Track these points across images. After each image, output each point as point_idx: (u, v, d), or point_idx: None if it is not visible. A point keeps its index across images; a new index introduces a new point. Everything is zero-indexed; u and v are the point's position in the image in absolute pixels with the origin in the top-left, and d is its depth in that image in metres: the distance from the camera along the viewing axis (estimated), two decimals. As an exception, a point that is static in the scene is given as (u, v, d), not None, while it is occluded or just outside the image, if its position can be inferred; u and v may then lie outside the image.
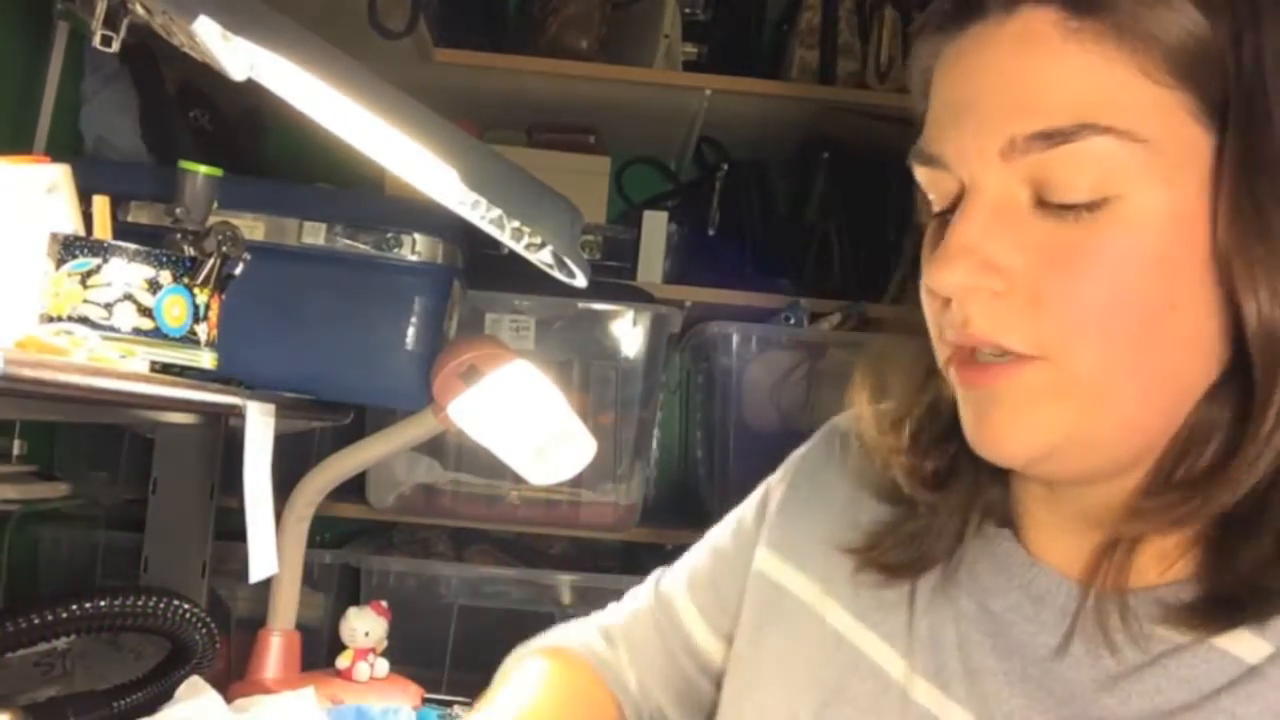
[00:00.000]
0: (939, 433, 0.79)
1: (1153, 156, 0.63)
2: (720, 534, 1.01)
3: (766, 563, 0.91)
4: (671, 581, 1.04)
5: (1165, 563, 0.69)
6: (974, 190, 0.67)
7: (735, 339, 2.09)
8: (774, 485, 0.97)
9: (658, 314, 2.07)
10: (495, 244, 1.01)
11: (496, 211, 0.92)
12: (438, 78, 2.10)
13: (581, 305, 2.04)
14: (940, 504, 0.79)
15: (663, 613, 1.03)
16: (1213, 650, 0.65)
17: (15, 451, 1.57)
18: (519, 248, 0.97)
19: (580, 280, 0.99)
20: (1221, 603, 0.65)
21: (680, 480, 2.56)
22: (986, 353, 0.68)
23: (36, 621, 1.14)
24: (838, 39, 2.27)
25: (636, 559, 2.37)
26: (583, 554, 2.32)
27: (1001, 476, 0.78)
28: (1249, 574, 0.65)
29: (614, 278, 2.16)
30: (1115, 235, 0.63)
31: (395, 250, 1.41)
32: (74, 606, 1.17)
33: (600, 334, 2.08)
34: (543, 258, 0.98)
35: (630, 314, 2.07)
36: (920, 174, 0.72)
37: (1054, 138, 0.63)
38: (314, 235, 1.40)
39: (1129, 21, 0.63)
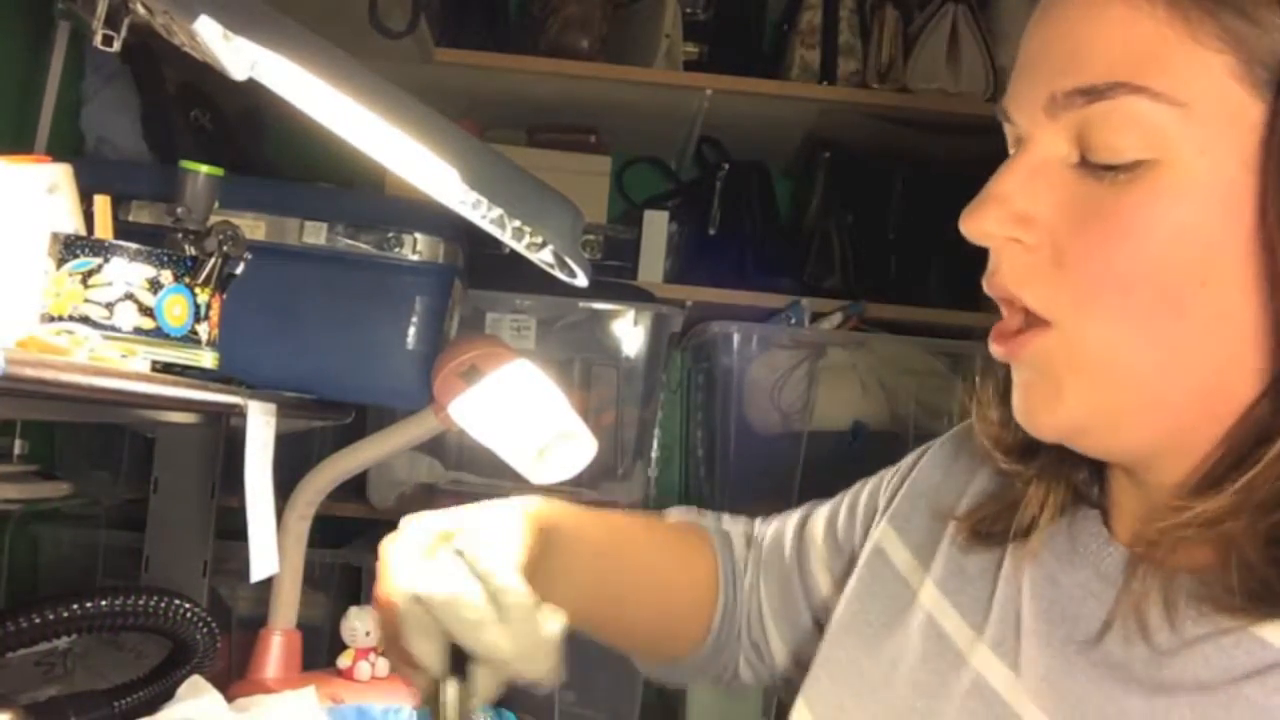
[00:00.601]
0: None
1: (1192, 122, 0.61)
2: (857, 490, 1.02)
3: (883, 533, 0.92)
4: (814, 518, 1.04)
5: (1212, 548, 0.66)
6: (1027, 143, 0.68)
7: (736, 338, 2.09)
8: (915, 461, 0.97)
9: (658, 313, 2.07)
10: (496, 244, 1.01)
11: (497, 211, 0.92)
12: (438, 77, 2.10)
13: (582, 305, 2.05)
14: (1033, 477, 0.79)
15: (796, 538, 1.04)
16: (1248, 637, 0.62)
17: (16, 451, 1.57)
18: (520, 247, 0.97)
19: (581, 280, 0.99)
20: (1261, 592, 0.63)
21: (681, 480, 2.56)
22: (1011, 322, 0.69)
23: (37, 621, 1.14)
24: (838, 39, 2.27)
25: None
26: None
27: (1084, 457, 0.76)
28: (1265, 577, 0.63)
29: (615, 277, 2.16)
30: (1146, 201, 0.62)
31: (396, 250, 1.41)
32: (75, 606, 1.17)
33: (601, 334, 2.08)
34: (544, 257, 0.98)
35: (631, 314, 2.07)
36: (1007, 132, 0.72)
37: (1090, 94, 0.63)
38: (315, 235, 1.40)
39: None
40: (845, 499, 1.02)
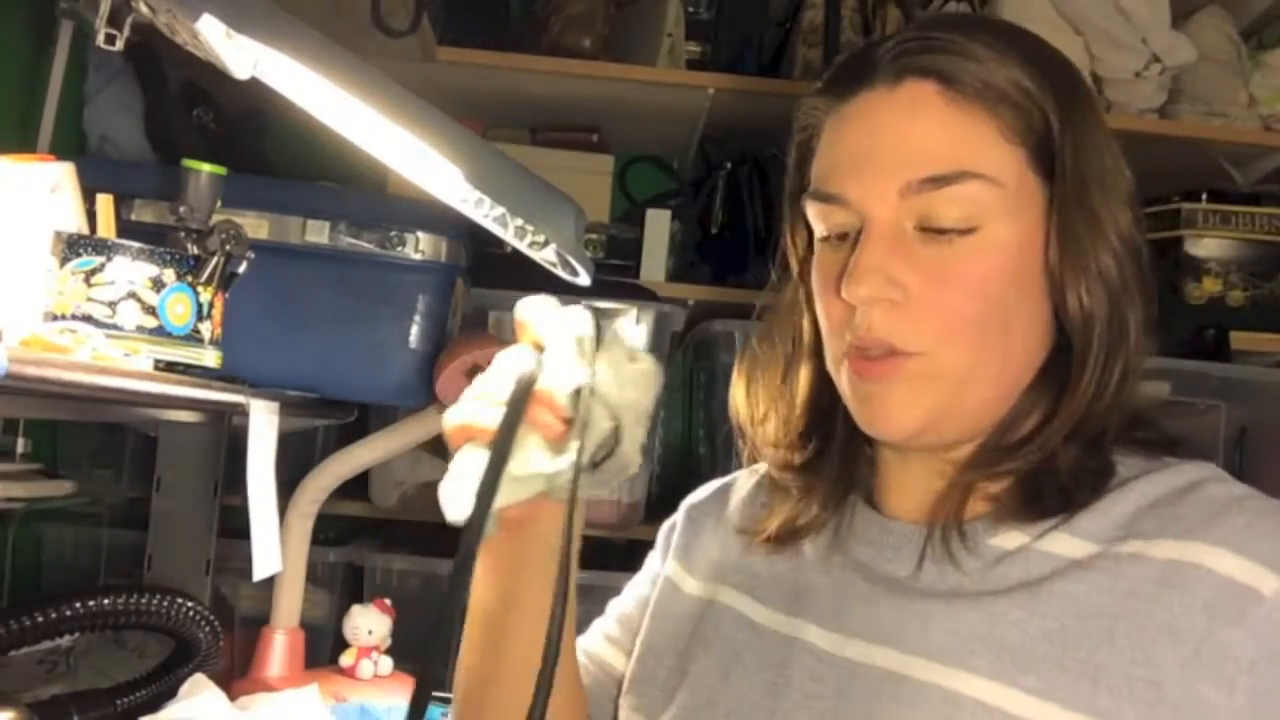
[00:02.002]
0: (802, 429, 0.96)
1: (1006, 197, 0.82)
2: (631, 582, 1.14)
3: (671, 569, 1.06)
4: (588, 639, 1.11)
5: (984, 498, 0.86)
6: (873, 223, 0.84)
7: (738, 337, 2.09)
8: (675, 521, 1.12)
9: (661, 312, 2.07)
10: (498, 242, 1.01)
11: (500, 210, 0.92)
12: (441, 76, 2.10)
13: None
14: (809, 486, 0.95)
15: (592, 664, 1.08)
16: (1036, 553, 0.81)
17: (19, 450, 1.57)
18: (522, 246, 0.97)
19: (583, 278, 0.99)
20: (1030, 505, 0.83)
21: (683, 478, 2.56)
22: (874, 351, 0.83)
23: (40, 619, 1.15)
24: (840, 37, 2.27)
25: (640, 557, 2.37)
26: (586, 552, 2.32)
27: (863, 458, 0.95)
28: (1050, 490, 0.83)
29: (617, 276, 2.16)
30: (978, 256, 0.82)
31: (398, 249, 1.42)
32: (78, 604, 1.17)
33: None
34: (546, 256, 0.98)
35: (633, 312, 2.07)
36: (814, 209, 0.88)
37: (940, 181, 0.81)
38: (317, 234, 1.40)
39: (991, 96, 0.82)
40: (627, 592, 1.13)
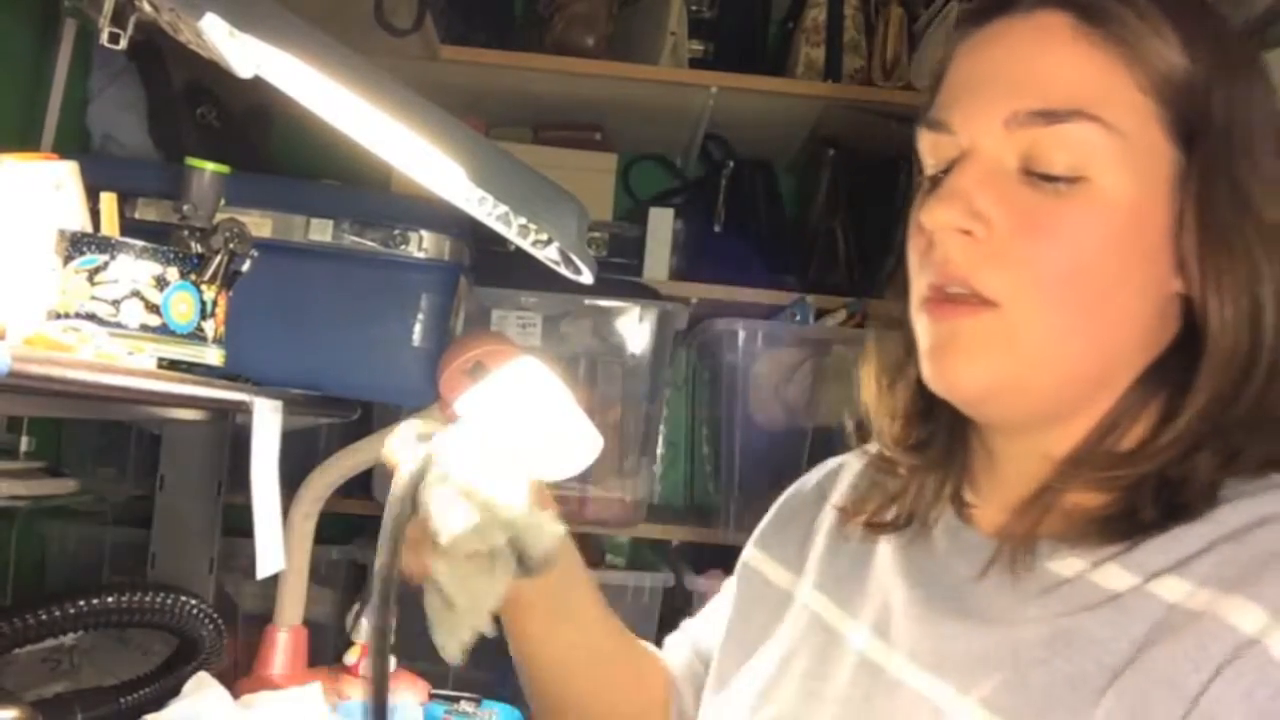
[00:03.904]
0: (920, 408, 0.90)
1: (1126, 150, 0.74)
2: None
3: (753, 556, 1.05)
4: (691, 630, 1.14)
5: (1066, 514, 0.79)
6: (973, 152, 0.77)
7: (741, 335, 2.09)
8: (774, 506, 1.09)
9: (664, 310, 2.07)
10: (502, 241, 1.01)
11: (503, 208, 0.92)
12: (444, 75, 2.10)
13: (588, 302, 2.05)
14: (919, 469, 0.91)
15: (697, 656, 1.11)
16: (1086, 583, 0.74)
17: (23, 448, 1.58)
18: (525, 244, 0.97)
19: (587, 277, 0.99)
20: (1103, 530, 0.75)
21: (686, 476, 2.56)
22: (954, 290, 0.77)
23: (44, 617, 1.15)
24: (843, 36, 2.28)
25: (643, 555, 2.37)
26: (589, 550, 2.33)
27: (966, 453, 0.89)
28: (1145, 506, 0.74)
29: (620, 274, 2.16)
30: (1082, 210, 0.74)
31: (402, 247, 1.42)
32: (81, 602, 1.17)
33: (607, 330, 2.08)
34: (549, 254, 0.98)
35: (636, 310, 2.07)
36: (924, 139, 0.82)
37: (1050, 117, 0.74)
38: (321, 232, 1.40)
39: (1129, 38, 0.74)
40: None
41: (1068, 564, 0.76)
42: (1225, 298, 0.74)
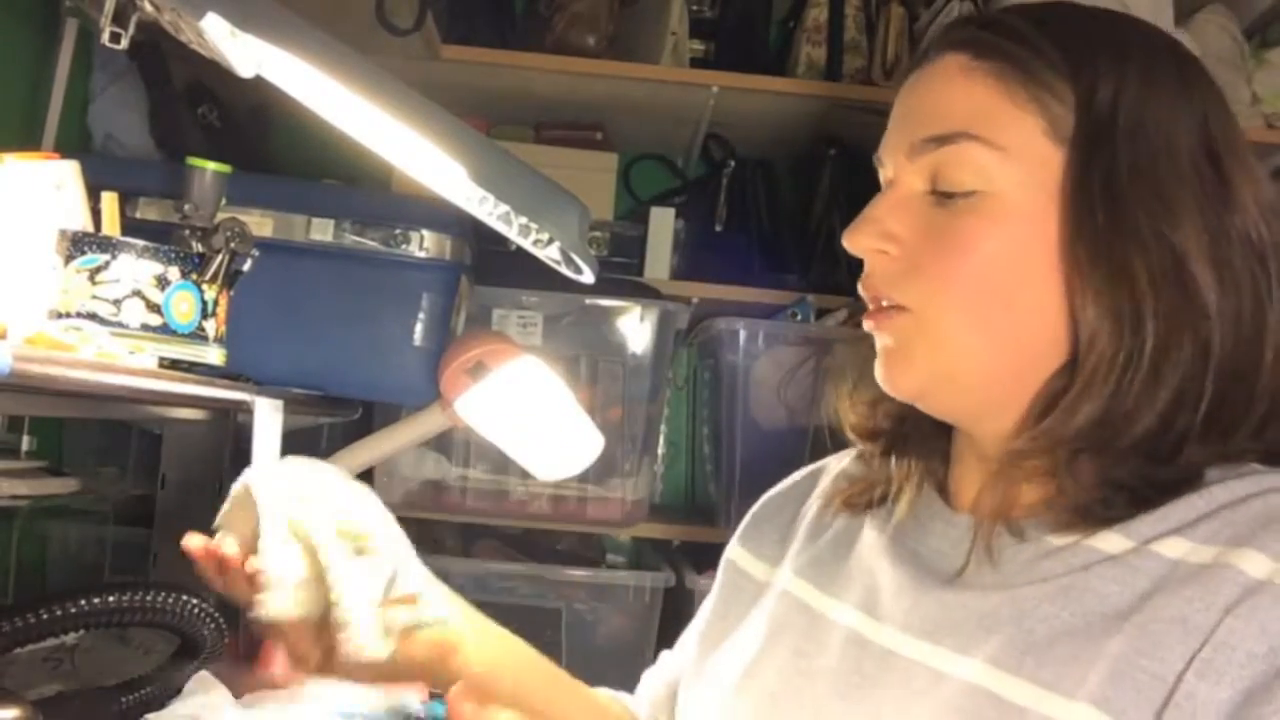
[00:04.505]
0: (892, 407, 0.96)
1: (1010, 163, 0.81)
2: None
3: (734, 552, 1.10)
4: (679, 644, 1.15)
5: (1044, 495, 0.84)
6: (894, 181, 0.88)
7: (742, 335, 2.09)
8: (754, 506, 1.14)
9: (665, 310, 2.07)
10: (503, 240, 1.01)
11: (504, 208, 0.93)
12: (445, 74, 2.10)
13: (589, 301, 2.05)
14: (889, 455, 0.97)
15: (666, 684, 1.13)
16: (1082, 547, 0.79)
17: (24, 447, 1.57)
18: (526, 244, 0.97)
19: (587, 276, 0.99)
20: (1080, 510, 0.80)
21: (687, 476, 2.56)
22: (874, 303, 0.87)
23: (45, 616, 1.15)
24: (844, 36, 2.28)
25: (644, 554, 2.37)
26: (590, 549, 2.33)
27: (944, 447, 0.95)
28: (1094, 489, 0.80)
29: (621, 274, 2.16)
30: (978, 220, 0.81)
31: (403, 247, 1.42)
32: (82, 601, 1.17)
33: (607, 330, 2.08)
34: (550, 254, 0.98)
35: (637, 310, 2.07)
36: (880, 173, 0.91)
37: (940, 140, 0.83)
38: (322, 232, 1.41)
39: (1012, 64, 0.82)
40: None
41: (1060, 536, 0.81)
42: (1088, 300, 0.79)
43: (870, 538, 0.95)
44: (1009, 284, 0.81)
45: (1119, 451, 0.79)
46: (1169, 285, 0.78)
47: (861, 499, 0.99)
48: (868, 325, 0.88)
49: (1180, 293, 0.78)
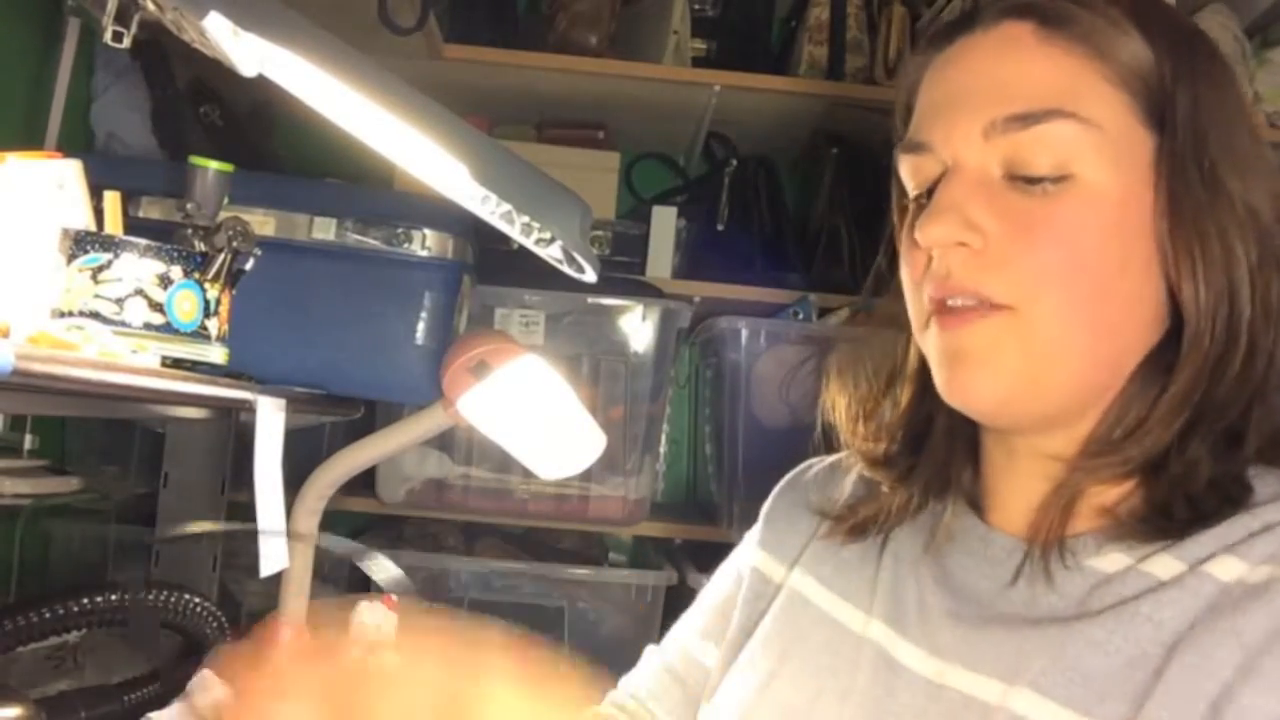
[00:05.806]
0: (907, 427, 0.92)
1: (1104, 142, 0.75)
2: (720, 568, 1.11)
3: (758, 558, 1.03)
4: (679, 630, 1.11)
5: (1099, 511, 0.80)
6: (957, 167, 0.79)
7: (744, 334, 2.09)
8: (766, 505, 1.09)
9: (667, 309, 2.07)
10: (505, 239, 1.01)
11: (506, 207, 0.92)
12: (447, 73, 2.10)
13: (591, 300, 2.05)
14: (901, 487, 0.92)
15: (678, 657, 1.08)
16: (1135, 573, 0.75)
17: (27, 446, 1.58)
18: (528, 243, 0.97)
19: (589, 275, 0.99)
20: (1154, 519, 0.76)
21: (689, 475, 2.57)
22: (956, 302, 0.78)
23: (48, 615, 1.15)
24: (846, 35, 2.28)
25: (646, 553, 2.37)
26: (592, 548, 2.33)
27: (970, 461, 0.90)
28: (1178, 502, 0.75)
29: (623, 273, 2.16)
30: (1072, 206, 0.76)
31: (405, 245, 1.42)
32: (85, 600, 1.17)
33: (610, 329, 2.08)
34: (552, 253, 0.98)
35: (639, 309, 2.07)
36: (905, 163, 0.84)
37: (1027, 119, 0.76)
38: (324, 231, 1.40)
39: (1092, 36, 0.77)
40: (716, 580, 1.10)
41: (1111, 559, 0.77)
42: (1199, 281, 0.75)
43: (899, 550, 0.90)
44: (1109, 274, 0.76)
45: (1193, 452, 0.76)
46: (1263, 260, 0.76)
47: (868, 527, 0.93)
48: (944, 326, 0.80)
49: (1272, 263, 0.77)
